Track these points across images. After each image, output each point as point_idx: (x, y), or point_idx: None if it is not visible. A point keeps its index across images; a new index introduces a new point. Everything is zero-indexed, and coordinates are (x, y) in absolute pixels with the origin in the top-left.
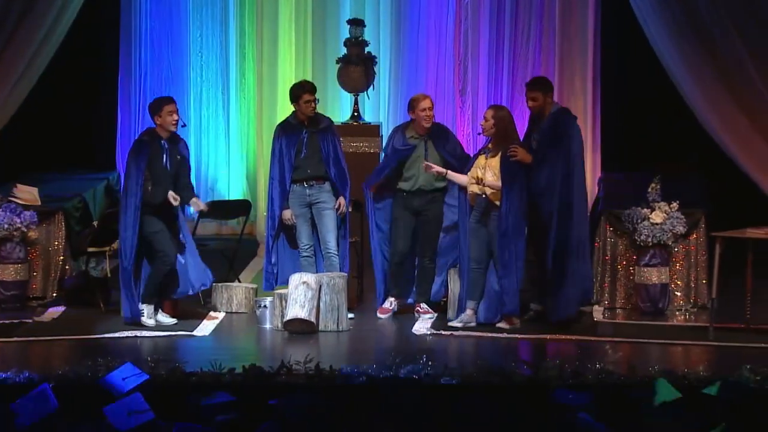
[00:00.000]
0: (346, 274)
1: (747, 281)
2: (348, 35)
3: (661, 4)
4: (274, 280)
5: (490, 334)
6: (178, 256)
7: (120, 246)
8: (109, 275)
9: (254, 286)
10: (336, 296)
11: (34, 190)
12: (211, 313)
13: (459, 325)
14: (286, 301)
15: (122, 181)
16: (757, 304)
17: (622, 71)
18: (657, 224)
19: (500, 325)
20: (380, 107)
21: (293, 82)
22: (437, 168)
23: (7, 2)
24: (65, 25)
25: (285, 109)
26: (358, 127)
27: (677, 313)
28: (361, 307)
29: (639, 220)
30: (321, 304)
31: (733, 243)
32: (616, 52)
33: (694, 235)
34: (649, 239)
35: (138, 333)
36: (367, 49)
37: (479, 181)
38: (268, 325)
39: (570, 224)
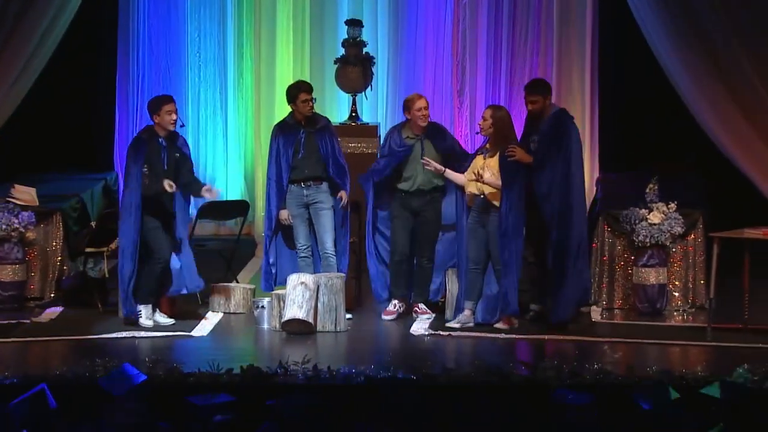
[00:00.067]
0: (344, 275)
1: (745, 281)
2: (346, 36)
3: (658, 3)
4: (273, 280)
5: (488, 335)
6: (173, 255)
7: (120, 245)
8: (107, 276)
9: (252, 286)
10: (334, 297)
11: (32, 191)
12: (209, 314)
13: (457, 325)
14: (284, 302)
15: (121, 180)
16: (754, 304)
17: (620, 71)
18: (655, 225)
19: (498, 325)
20: (378, 108)
21: (291, 83)
22: (435, 164)
23: (5, 2)
24: (63, 25)
25: (283, 109)
26: (356, 127)
27: (675, 313)
28: (359, 308)
29: (637, 221)
30: (319, 305)
31: (731, 243)
32: (613, 52)
33: (692, 236)
34: (647, 240)
35: (136, 333)
36: (365, 50)
37: (479, 177)
38: (266, 326)
39: (570, 225)
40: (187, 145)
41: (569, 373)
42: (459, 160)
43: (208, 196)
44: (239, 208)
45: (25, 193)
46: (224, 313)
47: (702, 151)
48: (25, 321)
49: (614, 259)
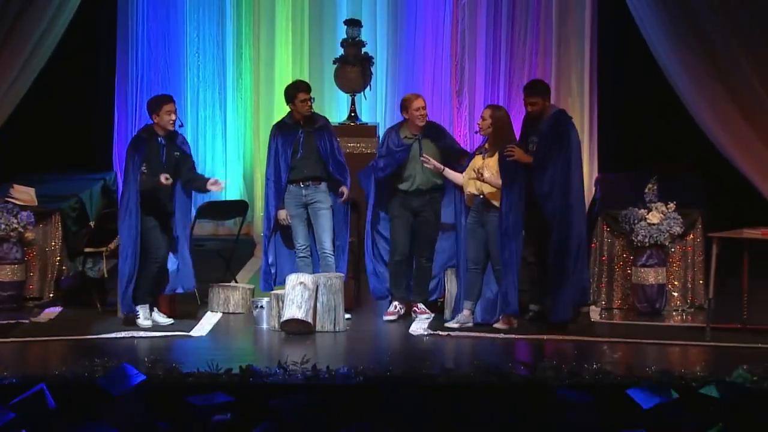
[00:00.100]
0: (343, 275)
1: (744, 282)
2: (345, 36)
3: (657, 4)
4: (273, 280)
5: (487, 335)
6: (170, 254)
7: (120, 244)
8: (106, 275)
9: (251, 286)
10: (333, 297)
11: (31, 191)
12: (208, 314)
13: (456, 325)
14: (282, 302)
15: (119, 180)
16: (753, 304)
17: (619, 71)
18: (654, 225)
19: (497, 325)
20: (377, 108)
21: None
22: (435, 162)
23: (5, 2)
24: (62, 25)
25: (282, 109)
26: (355, 127)
27: (674, 313)
28: (358, 308)
29: (636, 221)
30: (318, 305)
31: (730, 243)
32: (612, 52)
33: (691, 236)
34: (646, 240)
35: (135, 333)
36: (364, 50)
37: (479, 176)
38: (265, 326)
39: (570, 225)
40: (187, 144)
41: (569, 373)
42: (458, 159)
43: (214, 189)
44: (238, 208)
45: (24, 193)
46: (223, 313)
47: (701, 151)
48: (24, 321)
49: (613, 259)
